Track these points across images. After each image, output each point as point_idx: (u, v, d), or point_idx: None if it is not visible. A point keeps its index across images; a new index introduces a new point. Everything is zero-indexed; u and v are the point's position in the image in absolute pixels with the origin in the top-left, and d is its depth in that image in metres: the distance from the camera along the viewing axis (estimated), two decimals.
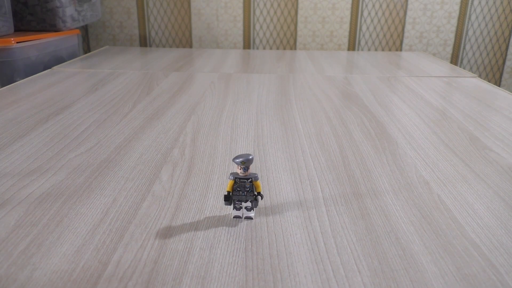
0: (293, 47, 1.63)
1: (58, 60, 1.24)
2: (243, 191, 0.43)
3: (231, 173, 0.43)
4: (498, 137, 0.70)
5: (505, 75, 1.67)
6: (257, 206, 0.44)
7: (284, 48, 1.63)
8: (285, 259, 0.38)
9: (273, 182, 0.52)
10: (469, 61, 1.65)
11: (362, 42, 1.62)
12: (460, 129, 0.73)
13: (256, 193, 0.43)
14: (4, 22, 1.09)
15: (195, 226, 0.43)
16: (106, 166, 0.56)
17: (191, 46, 1.64)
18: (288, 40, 1.62)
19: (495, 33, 1.60)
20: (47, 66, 1.18)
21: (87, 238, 0.40)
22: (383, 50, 1.63)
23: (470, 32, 1.61)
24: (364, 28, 1.60)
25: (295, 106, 0.84)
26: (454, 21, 1.60)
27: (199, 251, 0.39)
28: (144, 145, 0.63)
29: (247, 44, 1.63)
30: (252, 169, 0.56)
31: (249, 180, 0.43)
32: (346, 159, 0.60)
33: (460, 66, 1.65)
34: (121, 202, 0.47)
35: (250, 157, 0.43)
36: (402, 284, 0.35)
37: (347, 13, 1.59)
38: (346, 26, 1.60)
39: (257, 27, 1.61)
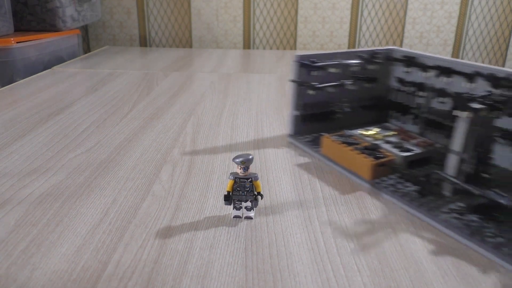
0: (293, 47, 1.63)
1: (58, 60, 1.24)
2: (243, 191, 0.43)
3: (231, 173, 0.43)
4: None
5: None
6: (257, 206, 0.44)
7: (284, 48, 1.63)
8: (285, 259, 0.38)
9: (273, 182, 0.52)
10: (469, 61, 1.65)
11: (362, 42, 1.62)
12: None
13: (256, 193, 0.43)
14: (4, 22, 1.09)
15: (195, 226, 0.43)
16: (106, 166, 0.56)
17: (191, 46, 1.64)
18: (288, 40, 1.62)
19: (495, 33, 1.60)
20: (47, 66, 1.18)
21: (87, 238, 0.40)
22: None
23: (470, 32, 1.61)
24: (364, 28, 1.60)
25: None
26: (454, 21, 1.60)
27: (199, 251, 0.39)
28: (144, 145, 0.63)
29: (247, 44, 1.63)
30: (252, 169, 0.56)
31: (249, 180, 0.43)
32: None
33: None
34: (121, 202, 0.47)
35: (250, 157, 0.43)
36: (402, 284, 0.35)
37: (347, 13, 1.59)
38: (346, 26, 1.60)
39: (257, 27, 1.61)
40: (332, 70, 0.62)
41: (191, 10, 1.59)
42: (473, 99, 0.46)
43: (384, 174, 0.52)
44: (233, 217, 0.44)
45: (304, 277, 0.36)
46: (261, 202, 0.47)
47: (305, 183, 0.52)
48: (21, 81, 1.01)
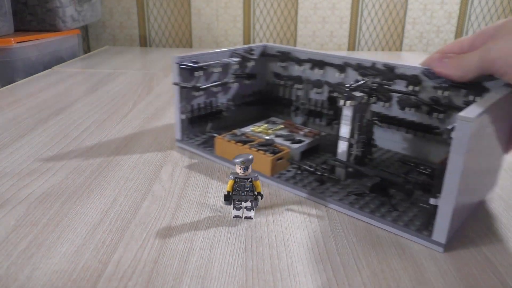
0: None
1: (58, 60, 1.24)
2: (243, 191, 0.43)
3: (231, 173, 0.43)
4: None
5: None
6: (257, 206, 0.44)
7: None
8: (285, 259, 0.38)
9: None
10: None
11: (362, 42, 1.62)
12: None
13: (256, 193, 0.43)
14: (4, 22, 1.09)
15: (195, 226, 0.43)
16: (106, 166, 0.56)
17: (191, 46, 1.64)
18: (288, 40, 1.62)
19: None
20: (47, 66, 1.18)
21: (87, 238, 0.40)
22: (383, 50, 1.63)
23: (470, 32, 1.60)
24: (364, 28, 1.60)
25: None
26: (454, 21, 1.60)
27: (199, 251, 0.39)
28: (144, 145, 0.63)
29: (247, 44, 1.63)
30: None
31: (249, 180, 0.43)
32: None
33: None
34: (121, 202, 0.47)
35: (250, 156, 0.43)
36: (402, 284, 0.35)
37: (347, 13, 1.59)
38: (346, 26, 1.60)
39: (257, 27, 1.61)
40: (215, 69, 0.62)
41: (191, 10, 1.59)
42: (354, 88, 0.50)
43: (283, 168, 0.53)
44: (233, 217, 0.44)
45: (304, 277, 0.36)
46: (261, 202, 0.47)
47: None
48: (21, 81, 1.01)
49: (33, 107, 0.81)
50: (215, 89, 0.63)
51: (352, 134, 0.51)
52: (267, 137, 0.57)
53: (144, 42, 1.63)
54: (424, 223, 0.42)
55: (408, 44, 1.62)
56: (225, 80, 0.65)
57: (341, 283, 0.35)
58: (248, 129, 0.61)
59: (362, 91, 0.50)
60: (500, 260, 0.39)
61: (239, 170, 0.43)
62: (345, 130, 0.50)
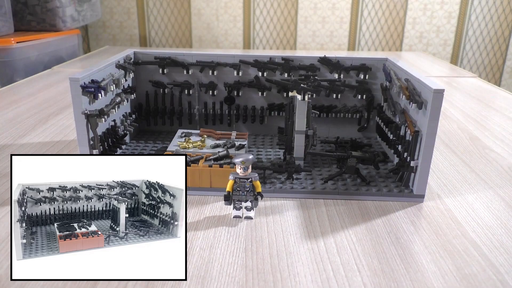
0: (293, 47, 1.63)
1: (58, 60, 1.24)
2: (243, 191, 0.43)
3: (231, 173, 0.43)
4: (498, 137, 0.70)
5: (505, 75, 1.67)
6: (257, 206, 0.44)
7: (284, 48, 1.63)
8: (285, 259, 0.38)
9: None
10: (469, 61, 1.65)
11: (362, 42, 1.62)
12: (460, 129, 0.73)
13: (256, 193, 0.43)
14: (4, 22, 1.09)
15: (195, 226, 0.43)
16: None
17: (191, 46, 1.64)
18: (288, 40, 1.62)
19: (495, 33, 1.60)
20: (47, 66, 1.18)
21: None
22: (383, 50, 1.63)
23: (470, 32, 1.61)
24: (364, 28, 1.60)
25: None
26: (454, 21, 1.60)
27: (199, 251, 0.39)
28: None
29: (247, 44, 1.63)
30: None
31: (249, 180, 0.43)
32: None
33: (460, 66, 1.65)
34: None
35: (250, 157, 0.43)
36: (402, 284, 0.35)
37: (347, 13, 1.59)
38: (346, 26, 1.60)
39: (257, 27, 1.61)
40: (112, 87, 0.54)
41: (191, 10, 1.59)
42: (300, 83, 0.53)
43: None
44: (233, 217, 0.44)
45: (304, 277, 0.36)
46: (261, 202, 0.47)
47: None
48: (22, 81, 1.01)
49: (33, 107, 0.81)
50: (114, 110, 0.55)
51: (308, 126, 0.53)
52: (221, 151, 0.53)
53: (144, 42, 1.63)
54: (405, 184, 0.50)
55: (408, 44, 1.62)
56: (120, 98, 0.56)
57: (341, 283, 0.35)
58: (173, 148, 0.55)
59: (309, 85, 0.52)
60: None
61: (239, 170, 0.42)
62: (301, 123, 0.53)
